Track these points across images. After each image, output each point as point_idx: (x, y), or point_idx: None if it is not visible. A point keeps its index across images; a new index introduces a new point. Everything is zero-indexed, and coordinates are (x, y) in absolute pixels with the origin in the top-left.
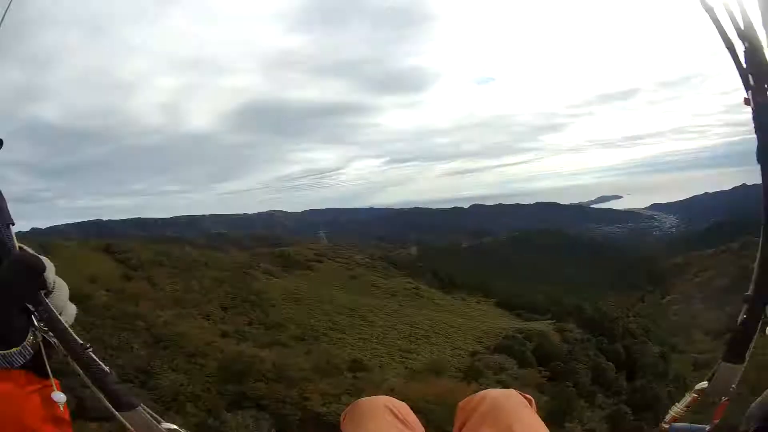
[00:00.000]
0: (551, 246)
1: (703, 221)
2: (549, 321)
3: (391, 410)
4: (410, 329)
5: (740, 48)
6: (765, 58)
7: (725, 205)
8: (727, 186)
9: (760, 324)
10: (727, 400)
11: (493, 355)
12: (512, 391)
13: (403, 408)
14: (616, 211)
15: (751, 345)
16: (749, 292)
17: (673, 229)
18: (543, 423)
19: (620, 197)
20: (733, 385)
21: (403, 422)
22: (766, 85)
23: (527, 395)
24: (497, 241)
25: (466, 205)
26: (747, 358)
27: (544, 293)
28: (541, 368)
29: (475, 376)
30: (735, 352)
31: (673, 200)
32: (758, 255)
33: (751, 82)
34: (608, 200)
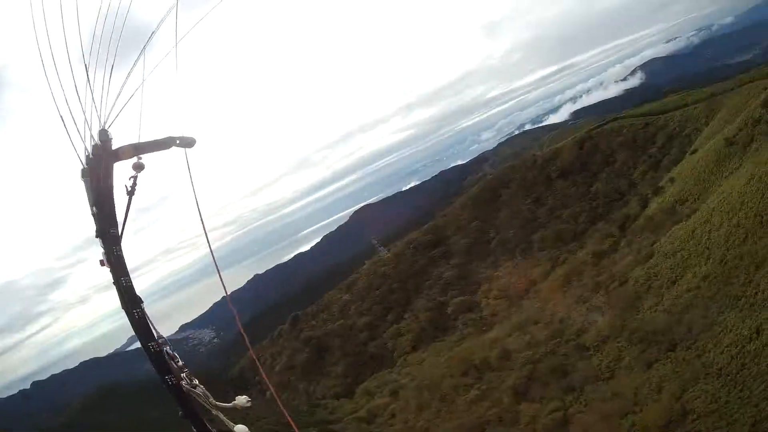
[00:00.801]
0: (118, 402)
1: (235, 322)
2: None
3: None
4: None
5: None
6: (106, 224)
7: (249, 300)
8: (243, 281)
9: None
10: None
11: None
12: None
13: None
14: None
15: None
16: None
17: (216, 339)
18: None
19: None
20: None
21: None
22: (113, 248)
23: None
24: (74, 412)
25: None
26: None
27: None
28: None
29: None
30: None
31: (198, 315)
32: None
33: (101, 245)
34: (136, 341)
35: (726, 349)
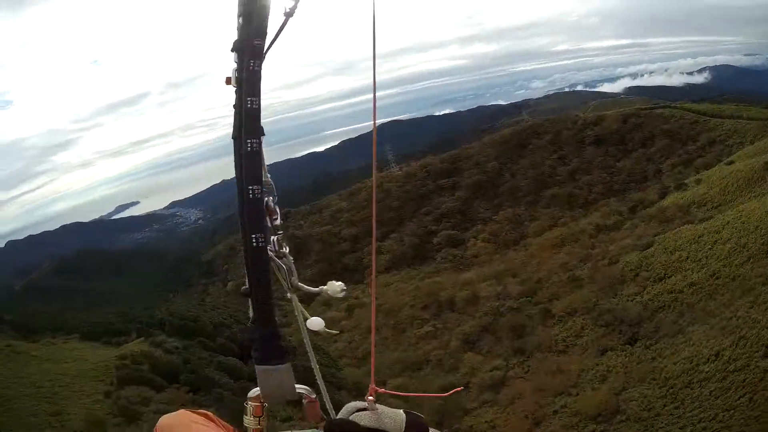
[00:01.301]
0: (93, 267)
1: (226, 207)
2: (139, 340)
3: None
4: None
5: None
6: (252, 34)
7: None
8: None
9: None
10: (314, 398)
11: (124, 390)
12: (182, 412)
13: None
14: (138, 217)
15: (280, 341)
16: (246, 286)
17: (201, 221)
18: None
19: (137, 203)
20: (290, 384)
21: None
22: (251, 62)
23: (201, 411)
24: (44, 274)
25: None
26: (288, 354)
27: (114, 315)
28: (177, 385)
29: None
30: (266, 354)
31: (191, 194)
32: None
33: (235, 60)
34: (126, 208)
35: (681, 361)
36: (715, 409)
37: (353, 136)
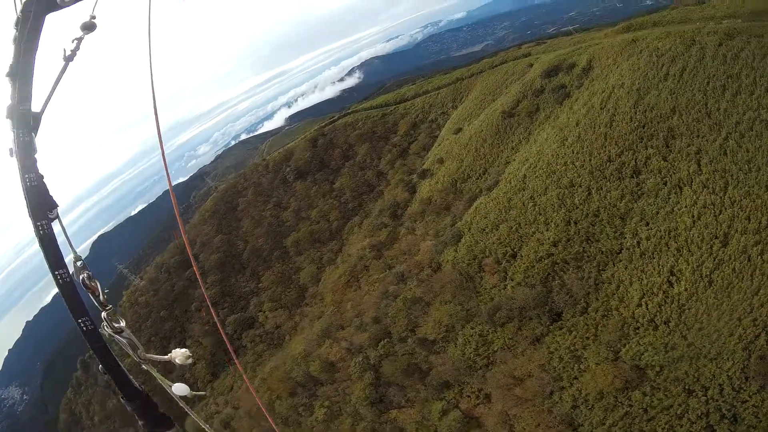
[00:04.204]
0: None
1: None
2: None
3: None
4: None
5: None
6: (18, 98)
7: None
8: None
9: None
10: None
11: None
12: None
13: None
14: None
15: (157, 409)
16: (101, 367)
17: (25, 396)
18: None
19: None
20: None
21: None
22: (20, 131)
23: None
24: None
25: None
26: (170, 419)
27: None
28: None
29: None
30: (152, 423)
31: None
32: None
33: (11, 129)
34: None
35: (644, 300)
36: None
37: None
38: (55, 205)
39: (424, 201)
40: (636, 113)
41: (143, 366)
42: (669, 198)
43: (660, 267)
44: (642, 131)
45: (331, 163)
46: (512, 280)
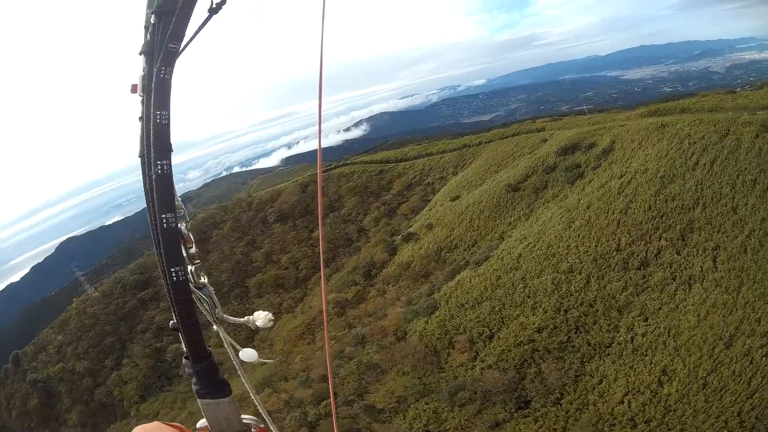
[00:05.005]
0: None
1: None
2: None
3: None
4: None
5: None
6: (168, 36)
7: None
8: None
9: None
10: (263, 427)
11: None
12: (156, 425)
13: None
14: None
15: (217, 374)
16: (174, 321)
17: None
18: None
19: None
20: (236, 416)
21: None
22: (162, 68)
23: (175, 424)
24: None
25: None
26: (227, 386)
27: None
28: None
29: None
30: (207, 388)
31: None
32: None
33: (144, 65)
34: None
35: (628, 398)
36: None
37: (40, 260)
38: (171, 149)
39: (403, 265)
40: (656, 202)
41: (215, 327)
42: (675, 294)
43: (652, 365)
44: (659, 221)
45: (316, 212)
46: (483, 361)
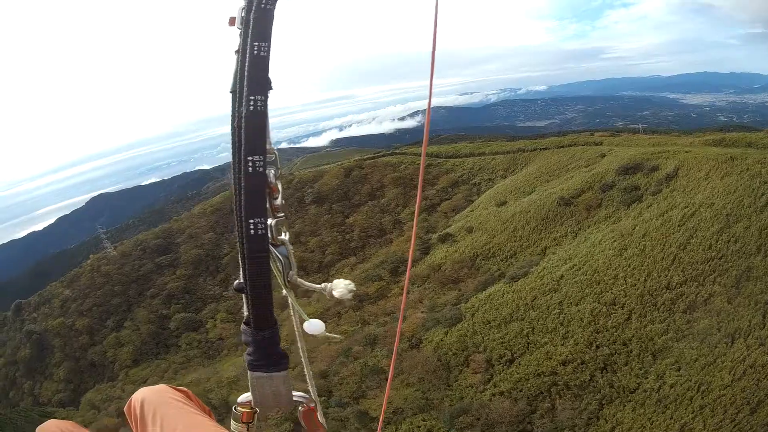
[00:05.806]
0: None
1: None
2: None
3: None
4: None
5: None
6: None
7: None
8: None
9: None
10: (314, 406)
11: None
12: (162, 388)
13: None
14: None
15: (278, 346)
16: (240, 281)
17: None
18: (197, 412)
19: None
20: (287, 393)
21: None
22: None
23: (182, 388)
24: None
25: None
26: (286, 361)
27: None
28: None
29: None
30: (263, 360)
31: None
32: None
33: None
34: None
35: None
36: None
37: (68, 212)
38: (271, 87)
39: (434, 266)
40: (718, 242)
41: (284, 291)
42: (716, 347)
43: (672, 420)
44: (716, 263)
45: (355, 198)
46: (496, 386)
